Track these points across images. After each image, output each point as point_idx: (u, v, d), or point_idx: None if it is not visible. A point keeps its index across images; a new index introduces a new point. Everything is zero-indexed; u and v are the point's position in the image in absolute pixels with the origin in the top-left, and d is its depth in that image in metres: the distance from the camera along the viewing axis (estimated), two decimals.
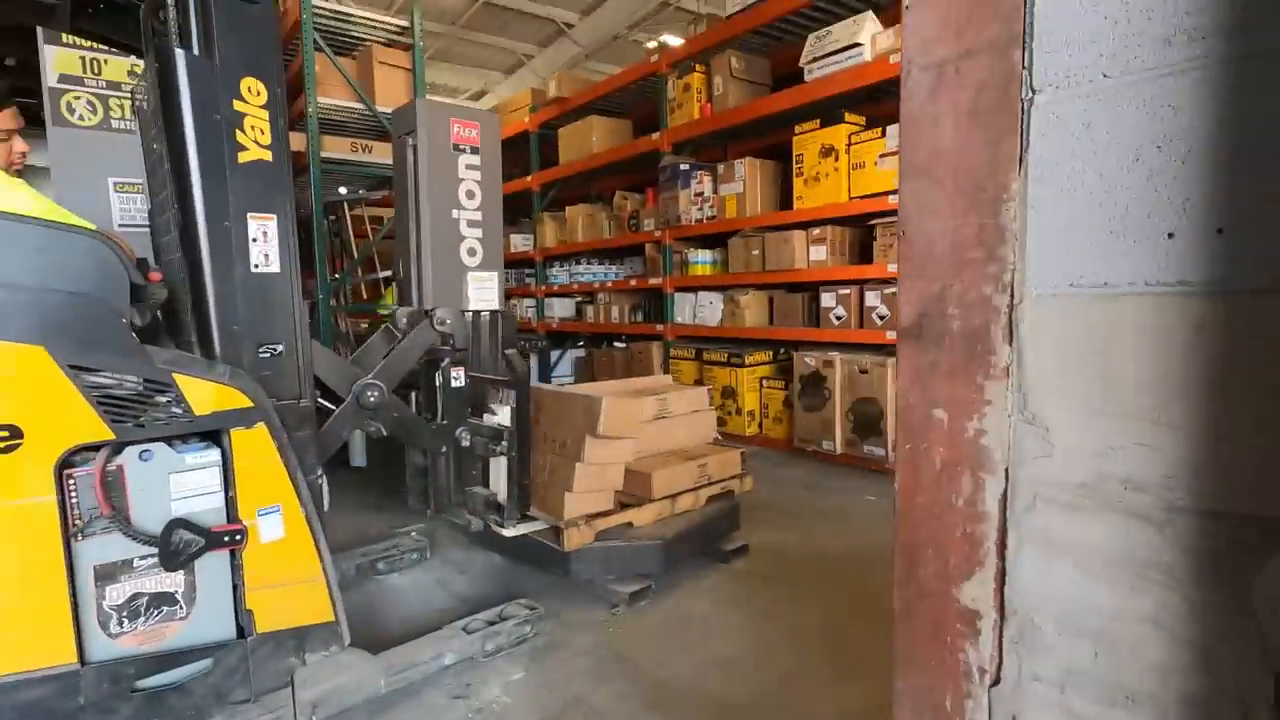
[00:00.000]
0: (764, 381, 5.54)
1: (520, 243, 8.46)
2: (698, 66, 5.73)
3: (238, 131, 1.98)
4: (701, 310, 5.97)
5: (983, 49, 0.78)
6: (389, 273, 5.54)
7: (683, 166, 5.88)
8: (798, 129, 4.97)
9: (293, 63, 5.14)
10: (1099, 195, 0.71)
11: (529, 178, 8.03)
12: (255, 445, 1.91)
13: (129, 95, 4.47)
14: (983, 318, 0.80)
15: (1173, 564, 0.68)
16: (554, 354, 8.45)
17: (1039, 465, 0.77)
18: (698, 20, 6.84)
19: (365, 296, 5.81)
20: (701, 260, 6.02)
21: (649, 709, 2.07)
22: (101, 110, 4.40)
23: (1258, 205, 0.59)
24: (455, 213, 4.22)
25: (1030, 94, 0.75)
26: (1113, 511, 0.71)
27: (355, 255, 5.34)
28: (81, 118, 4.34)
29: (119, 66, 4.42)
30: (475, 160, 4.26)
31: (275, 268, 2.09)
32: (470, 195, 4.27)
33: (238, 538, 1.89)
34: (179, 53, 1.88)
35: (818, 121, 4.86)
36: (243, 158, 1.99)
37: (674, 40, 11.93)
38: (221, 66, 1.95)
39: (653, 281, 6.45)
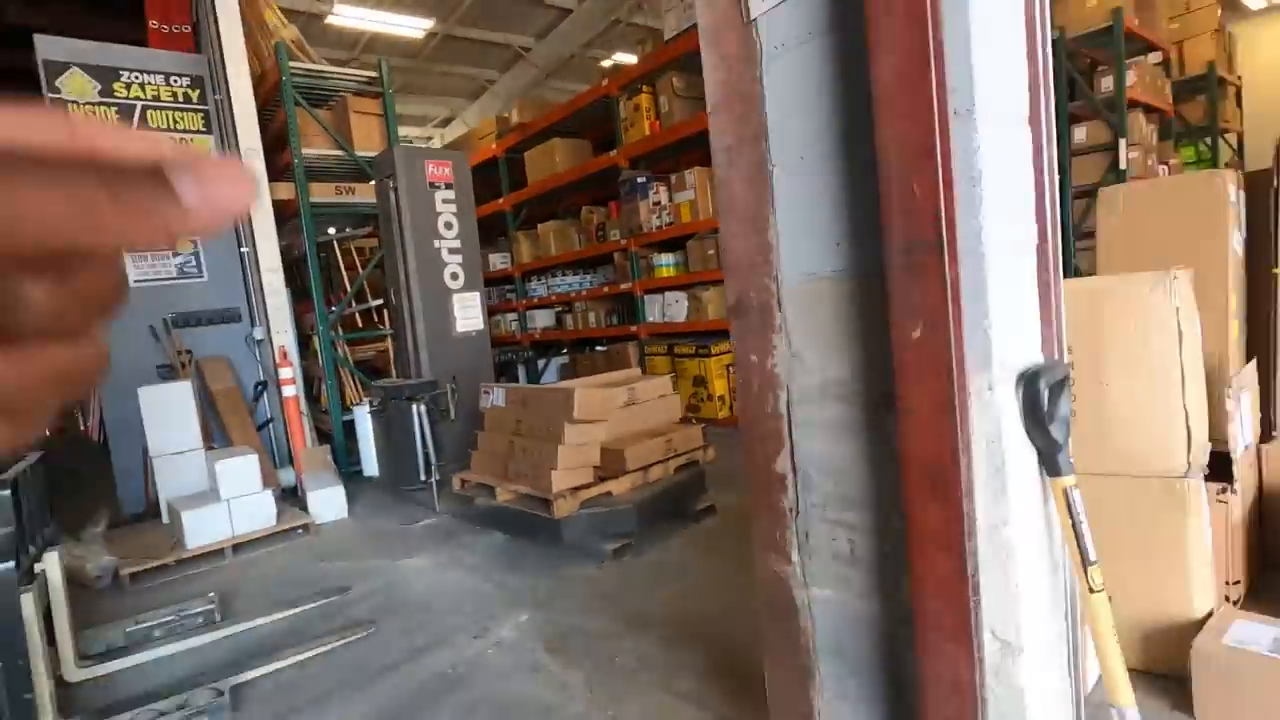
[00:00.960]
0: (730, 369, 6.09)
1: (498, 261, 8.99)
2: (644, 88, 6.29)
3: None
4: (669, 309, 6.52)
5: (747, 140, 1.33)
6: (379, 301, 6.06)
7: (640, 179, 6.43)
8: None
9: (275, 119, 5.66)
10: (807, 223, 1.25)
11: (501, 199, 8.56)
12: None
13: None
14: (767, 299, 1.34)
15: (859, 422, 1.22)
16: (540, 363, 8.98)
17: (799, 379, 1.31)
18: (645, 38, 7.41)
19: (360, 325, 6.33)
20: (665, 263, 6.57)
21: (629, 628, 2.61)
22: None
23: (856, 229, 1.14)
24: (436, 243, 4.77)
25: (772, 167, 1.29)
26: (832, 399, 1.25)
27: (348, 288, 5.86)
28: None
29: None
30: (450, 195, 4.81)
31: None
32: (448, 226, 4.82)
33: None
34: None
35: None
36: None
37: (626, 57, 12.53)
38: None
39: (623, 287, 7.00)
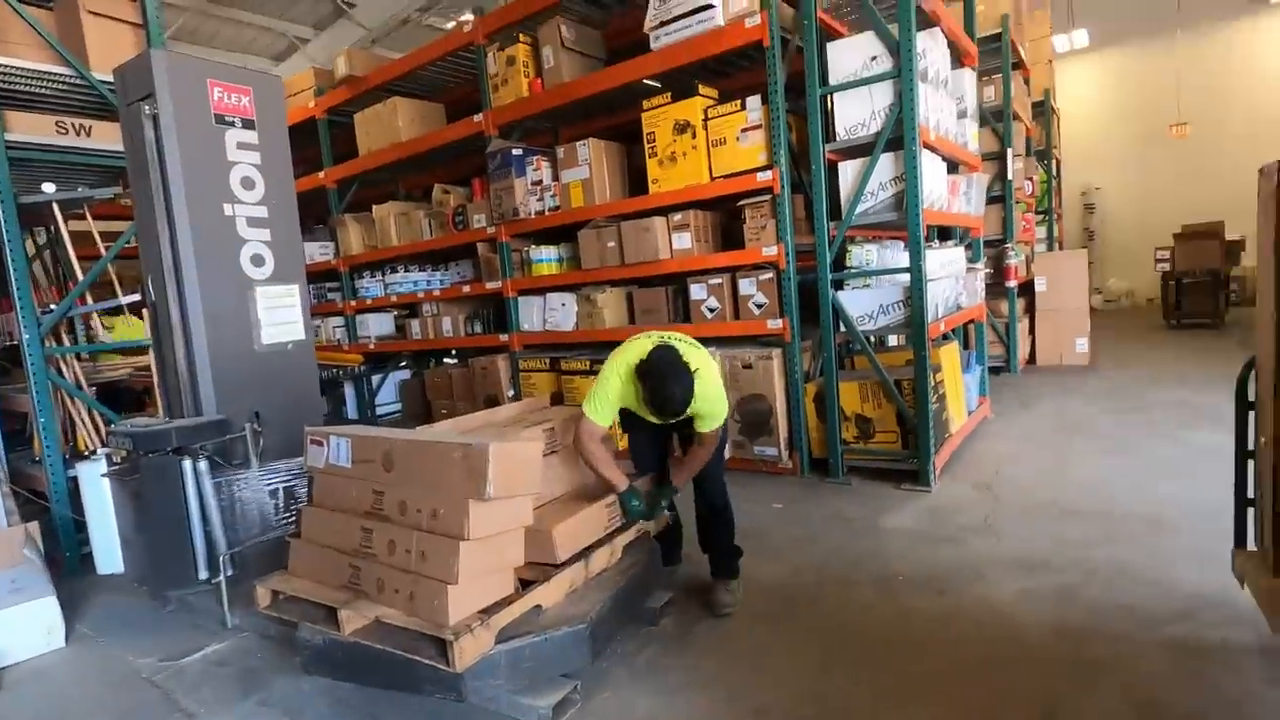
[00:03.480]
0: None
1: (318, 252, 7.10)
2: (522, 36, 5.00)
3: None
4: (553, 314, 5.26)
5: None
6: (135, 297, 4.14)
7: (515, 152, 5.11)
8: (646, 104, 4.45)
9: None
10: None
11: (321, 174, 6.73)
12: None
13: None
14: None
15: None
16: (375, 378, 7.23)
17: None
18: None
19: (104, 331, 4.32)
20: (546, 258, 5.30)
21: None
22: None
23: None
24: (229, 208, 3.11)
25: None
26: None
27: (79, 276, 3.89)
28: None
29: None
30: (251, 137, 3.18)
31: None
32: (248, 184, 3.18)
33: None
34: None
35: (669, 95, 4.37)
36: None
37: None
38: None
39: (490, 286, 5.61)
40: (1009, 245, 6.70)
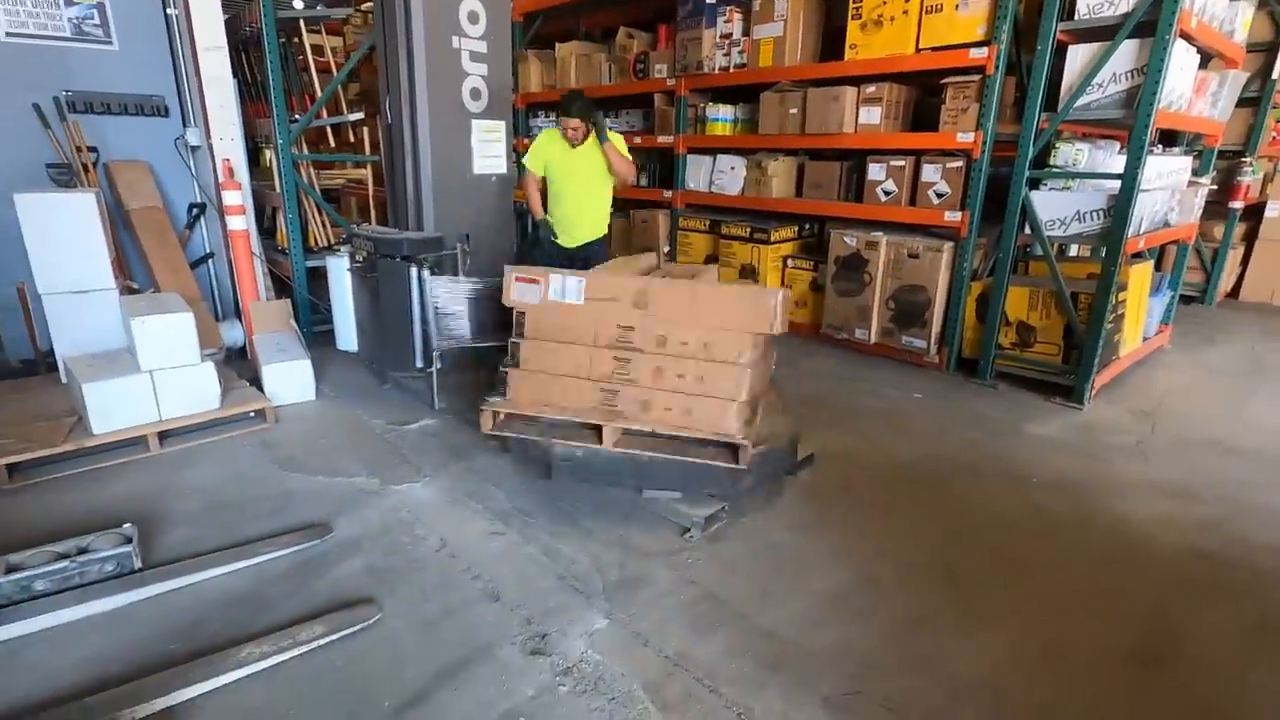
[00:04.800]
0: (788, 260, 5.06)
1: None
2: None
3: None
4: (720, 176, 5.31)
5: None
6: (358, 115, 4.63)
7: (709, 0, 4.95)
8: None
9: None
10: None
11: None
12: None
13: None
14: None
15: None
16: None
17: None
18: None
19: (333, 144, 4.90)
20: (722, 118, 5.27)
21: (768, 669, 1.77)
22: None
23: None
24: (455, 40, 3.38)
25: None
26: None
27: (318, 92, 4.39)
28: None
29: None
30: None
31: None
32: (473, 18, 3.41)
33: None
34: None
35: None
36: None
37: None
38: None
39: (662, 140, 5.68)
40: (1247, 159, 5.81)
